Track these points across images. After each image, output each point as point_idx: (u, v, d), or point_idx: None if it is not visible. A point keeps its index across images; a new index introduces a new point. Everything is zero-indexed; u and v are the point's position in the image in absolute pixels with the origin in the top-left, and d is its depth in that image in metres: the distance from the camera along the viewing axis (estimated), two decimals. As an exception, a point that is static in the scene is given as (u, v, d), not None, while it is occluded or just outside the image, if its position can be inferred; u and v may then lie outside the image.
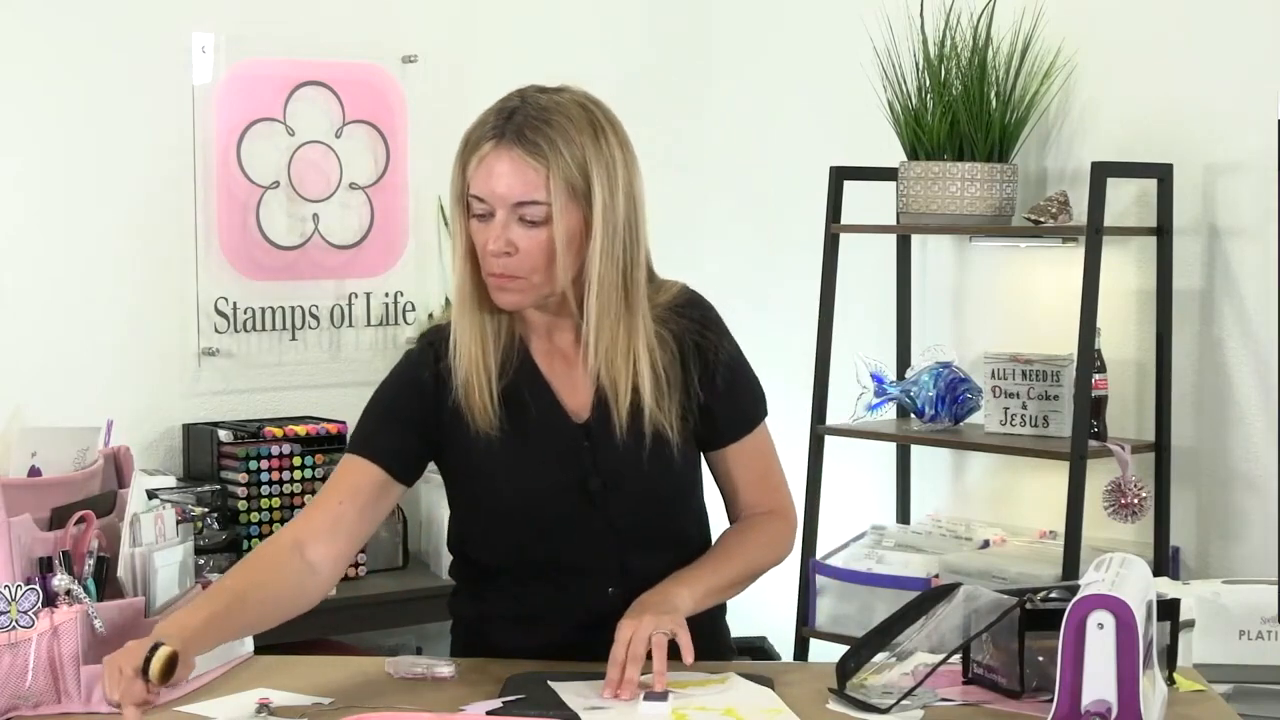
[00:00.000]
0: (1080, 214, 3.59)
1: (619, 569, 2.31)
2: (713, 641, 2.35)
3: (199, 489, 3.72)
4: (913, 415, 3.90)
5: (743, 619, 2.56)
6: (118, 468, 2.48)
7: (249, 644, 2.34)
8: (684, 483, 2.35)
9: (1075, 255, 3.57)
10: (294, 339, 4.05)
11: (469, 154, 2.21)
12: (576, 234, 2.21)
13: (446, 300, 4.13)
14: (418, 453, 2.32)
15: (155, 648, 1.99)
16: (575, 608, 2.31)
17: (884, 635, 2.26)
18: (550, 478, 2.29)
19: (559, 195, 2.18)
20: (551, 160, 2.17)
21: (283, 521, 3.74)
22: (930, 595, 2.29)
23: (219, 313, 3.94)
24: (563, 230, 2.19)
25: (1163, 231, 3.61)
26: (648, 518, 2.32)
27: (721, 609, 2.42)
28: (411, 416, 2.30)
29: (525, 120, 2.19)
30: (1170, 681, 2.16)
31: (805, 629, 3.95)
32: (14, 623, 2.10)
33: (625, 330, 2.24)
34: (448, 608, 2.45)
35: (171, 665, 1.99)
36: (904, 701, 2.11)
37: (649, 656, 2.13)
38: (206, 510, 3.70)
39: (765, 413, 2.41)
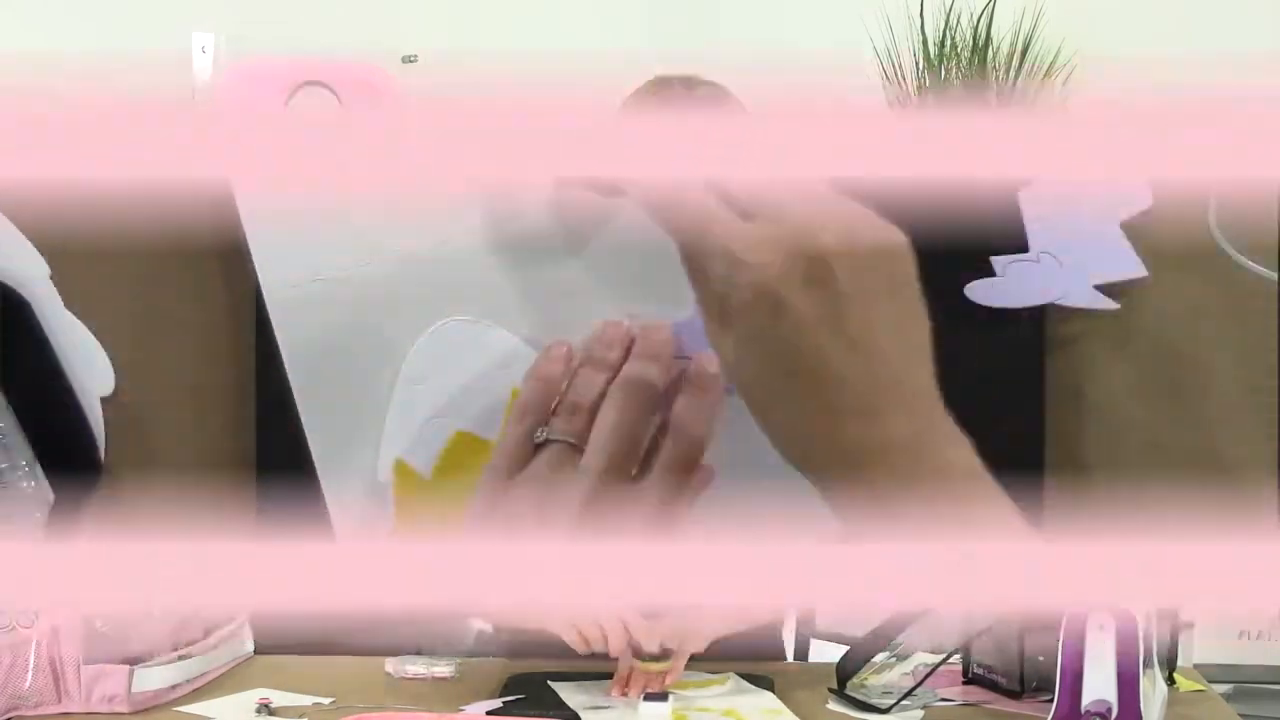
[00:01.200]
0: (1080, 214, 3.59)
1: None
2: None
3: (199, 489, 3.72)
4: (913, 415, 3.89)
5: (743, 619, 2.56)
6: (118, 468, 2.47)
7: (249, 644, 2.33)
8: None
9: (1075, 255, 3.57)
10: (294, 339, 4.04)
11: None
12: None
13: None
14: None
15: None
16: None
17: (884, 635, 2.26)
18: None
19: None
20: None
21: (283, 521, 3.75)
22: (930, 595, 2.29)
23: (219, 313, 3.93)
24: None
25: (1163, 231, 3.61)
26: None
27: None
28: None
29: None
30: (1170, 681, 2.16)
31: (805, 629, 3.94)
32: (14, 623, 2.09)
33: None
34: None
35: None
36: (904, 701, 2.11)
37: (656, 659, 2.13)
38: (206, 510, 3.70)
39: None
